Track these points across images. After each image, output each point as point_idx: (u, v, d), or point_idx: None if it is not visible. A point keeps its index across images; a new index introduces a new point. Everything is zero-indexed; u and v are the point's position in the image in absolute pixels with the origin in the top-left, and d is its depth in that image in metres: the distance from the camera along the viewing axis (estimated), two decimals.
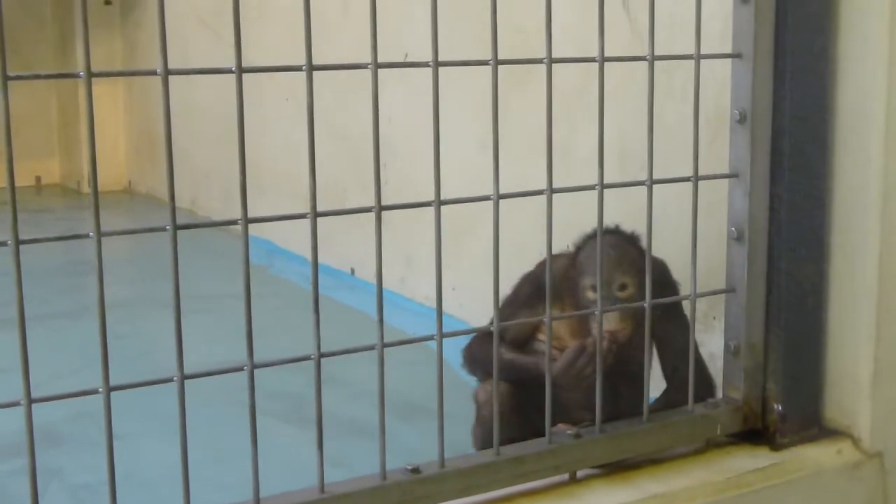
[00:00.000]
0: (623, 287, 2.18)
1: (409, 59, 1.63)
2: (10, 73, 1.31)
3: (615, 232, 2.25)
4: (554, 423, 1.86)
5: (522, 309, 2.27)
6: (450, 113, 1.65)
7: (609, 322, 2.11)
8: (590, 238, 2.22)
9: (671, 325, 2.23)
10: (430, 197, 1.65)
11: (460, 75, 1.96)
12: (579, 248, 2.27)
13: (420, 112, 2.73)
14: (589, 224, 1.96)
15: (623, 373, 2.14)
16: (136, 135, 7.41)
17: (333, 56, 1.65)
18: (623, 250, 2.20)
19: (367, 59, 1.58)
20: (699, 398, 2.02)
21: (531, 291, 2.27)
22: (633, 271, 2.18)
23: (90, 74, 1.37)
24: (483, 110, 1.94)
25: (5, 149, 1.34)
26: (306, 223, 1.56)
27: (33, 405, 1.39)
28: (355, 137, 4.45)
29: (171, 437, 1.60)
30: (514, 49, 2.43)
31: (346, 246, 4.43)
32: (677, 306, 2.26)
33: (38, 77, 1.42)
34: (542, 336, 2.26)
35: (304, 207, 1.56)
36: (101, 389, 1.43)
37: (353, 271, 4.63)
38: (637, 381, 2.05)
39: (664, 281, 2.27)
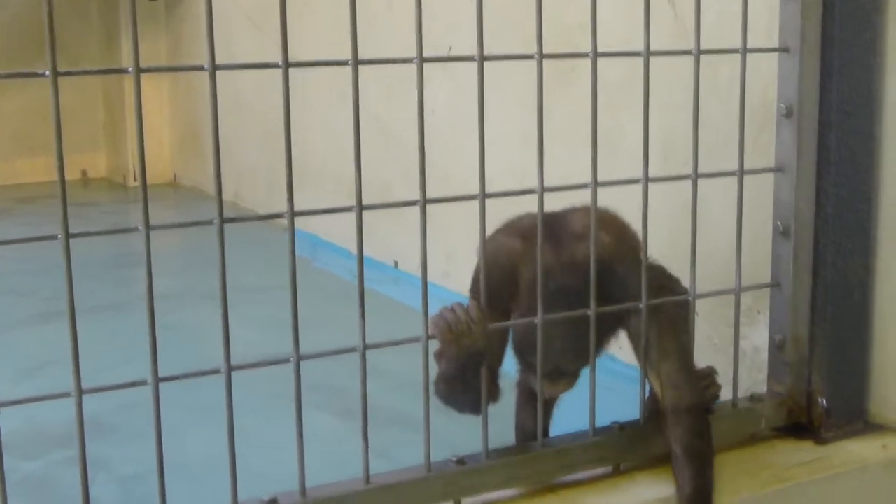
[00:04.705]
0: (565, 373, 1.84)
1: (453, 54, 1.63)
2: (60, 70, 1.33)
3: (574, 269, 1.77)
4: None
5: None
6: (493, 107, 1.66)
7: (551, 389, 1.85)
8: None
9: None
10: (473, 190, 1.65)
11: (503, 70, 1.96)
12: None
13: (463, 105, 2.74)
14: (633, 217, 1.95)
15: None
16: (180, 128, 7.46)
17: (377, 50, 1.65)
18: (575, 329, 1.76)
19: (411, 53, 1.59)
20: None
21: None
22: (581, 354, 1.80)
23: (139, 70, 1.38)
24: (526, 104, 1.94)
25: (55, 144, 1.36)
26: (350, 216, 1.57)
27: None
28: (398, 130, 4.45)
29: (214, 427, 1.61)
30: (558, 45, 2.43)
31: (390, 238, 4.43)
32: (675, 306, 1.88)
33: (87, 73, 1.43)
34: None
35: (348, 200, 1.56)
36: (149, 381, 1.45)
37: (396, 264, 4.64)
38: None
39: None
